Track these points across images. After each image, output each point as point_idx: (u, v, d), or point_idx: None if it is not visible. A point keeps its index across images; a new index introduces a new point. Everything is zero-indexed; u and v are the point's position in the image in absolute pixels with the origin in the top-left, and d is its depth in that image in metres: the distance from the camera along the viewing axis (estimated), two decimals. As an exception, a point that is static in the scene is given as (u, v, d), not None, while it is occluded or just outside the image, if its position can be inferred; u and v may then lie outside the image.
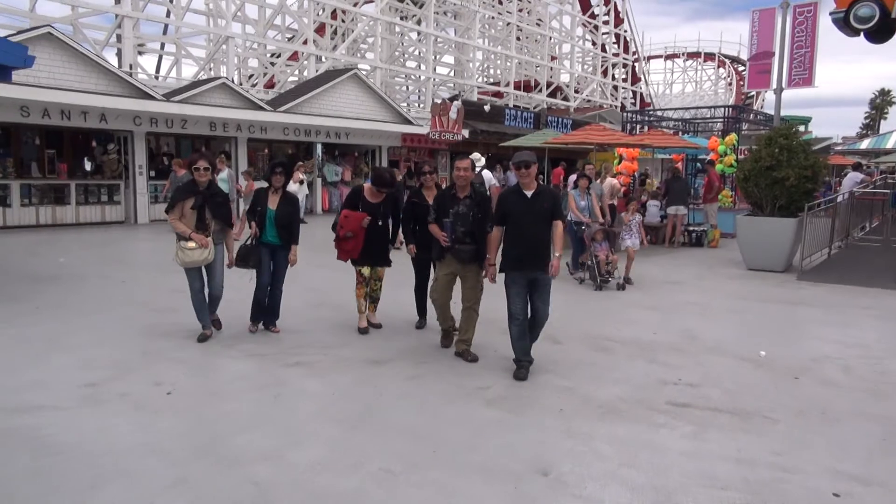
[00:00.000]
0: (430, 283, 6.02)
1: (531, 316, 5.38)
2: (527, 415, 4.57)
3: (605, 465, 3.84)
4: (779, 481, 3.65)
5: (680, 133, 22.38)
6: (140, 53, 25.48)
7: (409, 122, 23.55)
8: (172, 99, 17.06)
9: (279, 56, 28.09)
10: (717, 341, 6.62)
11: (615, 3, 43.26)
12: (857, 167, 20.14)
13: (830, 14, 16.29)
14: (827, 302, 8.48)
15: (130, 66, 19.90)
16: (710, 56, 61.21)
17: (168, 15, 27.04)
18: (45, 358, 5.59)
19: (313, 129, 20.74)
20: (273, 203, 6.26)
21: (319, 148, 21.64)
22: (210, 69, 25.78)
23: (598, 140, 13.85)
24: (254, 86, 26.26)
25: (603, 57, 43.34)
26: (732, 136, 17.22)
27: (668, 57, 62.61)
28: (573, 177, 11.20)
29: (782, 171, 10.81)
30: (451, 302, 5.95)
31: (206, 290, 6.12)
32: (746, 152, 14.88)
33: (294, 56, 27.96)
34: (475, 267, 5.70)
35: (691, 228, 14.63)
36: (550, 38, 39.51)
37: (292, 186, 16.79)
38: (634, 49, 47.11)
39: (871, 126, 66.58)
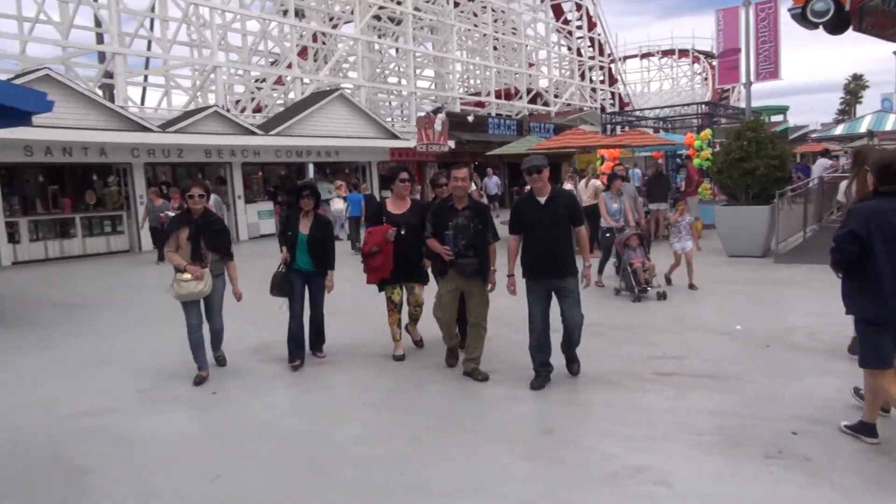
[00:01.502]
0: (435, 301, 5.65)
1: (563, 323, 5.22)
2: (529, 391, 5.21)
3: (600, 423, 4.50)
4: (748, 426, 4.32)
5: (658, 131, 23.22)
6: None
7: (395, 137, 24.27)
8: (168, 130, 17.68)
9: (264, 81, 28.77)
10: (699, 320, 7.31)
11: (587, 8, 44.29)
12: (824, 153, 21.01)
13: (789, 10, 17.12)
14: (799, 280, 9.22)
15: (124, 101, 20.50)
16: (684, 53, 62.31)
17: (149, 48, 27.68)
18: (96, 371, 6.22)
19: (304, 149, 21.40)
20: (304, 227, 5.89)
21: (311, 167, 22.31)
22: (199, 97, 26.41)
23: (579, 144, 14.59)
24: (242, 111, 26.89)
25: (579, 61, 44.34)
26: (707, 132, 18.00)
27: (643, 56, 63.68)
28: (578, 180, 11.45)
29: (752, 162, 11.56)
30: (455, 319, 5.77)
31: (206, 326, 5.83)
32: (718, 146, 15.66)
33: (279, 80, 28.64)
34: (479, 281, 5.46)
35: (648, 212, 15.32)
36: (527, 46, 40.43)
37: (338, 204, 17.40)
38: (609, 51, 48.15)
39: (846, 111, 67.88)
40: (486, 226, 5.45)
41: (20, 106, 7.73)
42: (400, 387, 5.49)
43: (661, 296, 8.49)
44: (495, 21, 38.07)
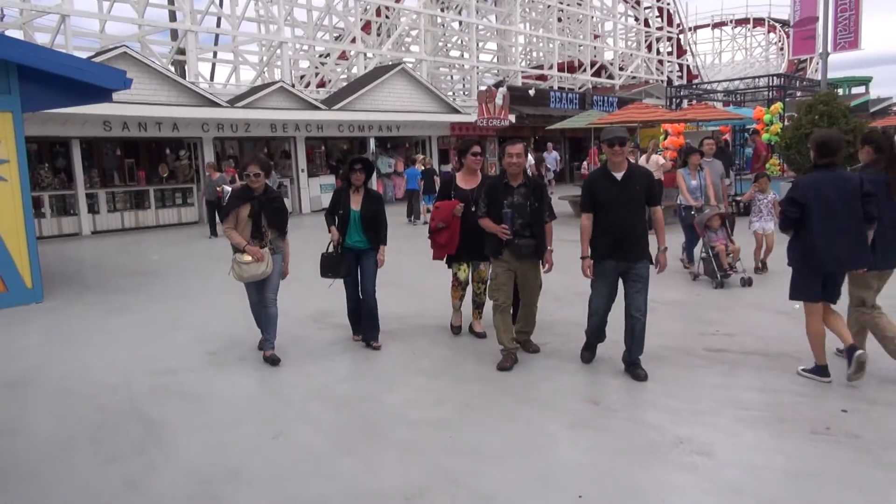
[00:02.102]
0: (489, 282, 5.55)
1: (627, 310, 4.90)
2: (579, 363, 5.31)
3: (647, 396, 4.58)
4: (796, 403, 4.32)
5: (728, 104, 22.47)
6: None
7: (456, 112, 24.29)
8: (236, 105, 18.27)
9: (328, 56, 29.19)
10: (759, 298, 7.20)
11: (657, -24, 42.89)
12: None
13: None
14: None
15: (196, 77, 21.24)
16: (759, 21, 59.69)
17: (219, 24, 28.45)
18: (169, 334, 6.65)
19: (366, 124, 21.71)
20: (356, 203, 5.74)
21: (373, 142, 22.62)
22: (265, 73, 27.05)
23: (642, 118, 14.34)
24: (307, 86, 27.42)
25: (646, 32, 43.05)
26: (778, 105, 17.36)
27: (715, 25, 61.35)
28: (639, 155, 10.98)
29: (823, 137, 11.14)
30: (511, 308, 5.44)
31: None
32: (789, 120, 15.11)
33: (342, 55, 28.99)
34: (535, 263, 5.27)
35: (739, 199, 14.96)
36: (592, 17, 39.50)
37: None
38: (679, 21, 46.53)
39: (936, 83, 63.74)
40: (542, 203, 5.17)
41: (101, 83, 8.19)
42: (454, 357, 5.67)
43: (746, 282, 7.84)
44: (560, -8, 37.31)
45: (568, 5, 37.87)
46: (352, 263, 5.80)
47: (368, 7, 29.20)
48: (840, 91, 29.21)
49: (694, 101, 22.02)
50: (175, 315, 7.49)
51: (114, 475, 3.69)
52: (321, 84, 29.21)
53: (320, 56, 30.20)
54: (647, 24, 43.27)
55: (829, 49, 18.46)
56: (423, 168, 16.95)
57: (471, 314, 6.21)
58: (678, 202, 8.80)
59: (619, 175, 4.81)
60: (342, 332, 6.34)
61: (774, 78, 19.56)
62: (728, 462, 3.57)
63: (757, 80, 20.27)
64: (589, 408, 4.43)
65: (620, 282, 4.98)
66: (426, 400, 4.68)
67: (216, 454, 3.92)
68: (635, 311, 4.85)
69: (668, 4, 44.66)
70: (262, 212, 5.33)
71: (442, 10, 34.26)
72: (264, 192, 5.39)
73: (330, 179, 21.47)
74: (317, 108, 19.96)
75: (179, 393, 4.97)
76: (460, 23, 33.24)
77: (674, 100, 23.70)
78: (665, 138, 16.80)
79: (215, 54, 30.42)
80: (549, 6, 36.28)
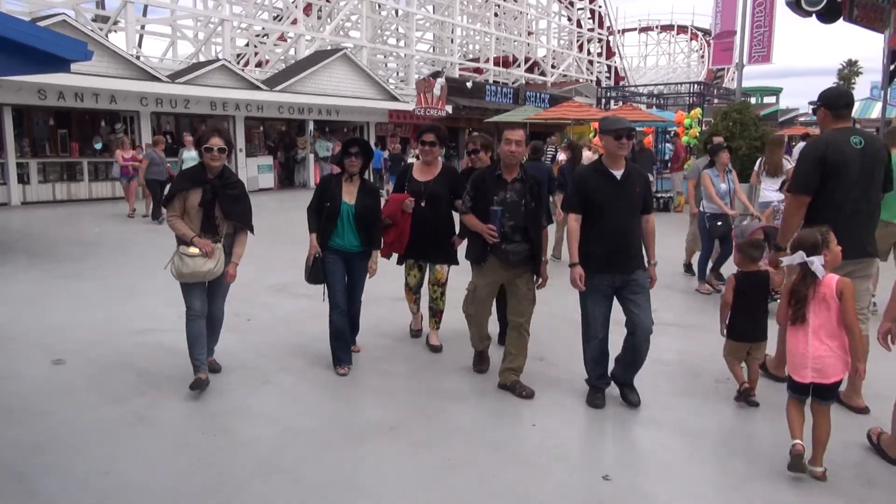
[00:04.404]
0: (466, 294, 4.70)
1: (630, 329, 4.20)
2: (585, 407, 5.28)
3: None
4: (704, 362, 5.18)
5: (651, 107, 23.93)
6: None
7: (395, 99, 24.76)
8: (177, 81, 18.13)
9: (266, 36, 28.99)
10: (675, 280, 8.12)
11: (590, -21, 44.46)
12: (804, 137, 21.85)
13: (784, -3, 17.80)
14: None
15: (134, 50, 20.84)
16: (682, 29, 62.63)
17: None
18: (137, 298, 6.97)
19: (306, 107, 21.91)
20: (349, 195, 4.78)
21: (311, 125, 22.82)
22: (202, 50, 26.68)
23: (575, 116, 15.29)
24: (245, 65, 27.21)
25: (578, 32, 44.61)
26: (697, 111, 18.75)
27: (642, 30, 63.92)
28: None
29: (735, 142, 12.38)
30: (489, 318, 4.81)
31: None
32: (707, 125, 16.45)
33: (281, 36, 28.86)
34: (527, 273, 4.46)
35: (659, 195, 16.19)
36: (527, 15, 40.62)
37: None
38: (609, 24, 48.40)
39: (838, 97, 68.49)
40: (539, 204, 4.44)
41: (61, 53, 8.29)
42: (416, 401, 4.46)
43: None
44: (497, -13, 38.23)
45: (504, 1, 38.80)
46: (338, 267, 4.82)
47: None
48: (753, 100, 31.43)
49: (621, 103, 23.37)
50: (134, 281, 7.76)
51: (122, 412, 4.13)
52: (259, 64, 29.01)
53: (258, 35, 29.93)
54: (579, 24, 44.84)
55: (745, 61, 20.01)
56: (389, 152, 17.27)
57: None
58: (702, 209, 7.49)
59: (618, 173, 4.12)
60: (305, 302, 6.74)
61: (695, 85, 21.01)
62: (649, 403, 4.35)
63: (679, 86, 21.71)
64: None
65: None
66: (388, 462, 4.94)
67: (213, 396, 4.39)
68: (641, 328, 4.14)
69: (600, 7, 46.37)
70: (215, 199, 4.30)
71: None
72: (219, 176, 4.33)
73: (268, 160, 21.59)
74: (258, 88, 20.03)
75: (162, 348, 5.39)
76: (397, 12, 33.58)
77: (603, 99, 25.04)
78: (594, 136, 17.90)
79: (143, 27, 29.69)
80: (486, 1, 37.10)
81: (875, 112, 27.82)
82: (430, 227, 5.14)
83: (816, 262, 3.37)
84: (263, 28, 28.83)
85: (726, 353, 4.54)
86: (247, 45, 30.19)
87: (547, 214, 4.70)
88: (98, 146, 18.06)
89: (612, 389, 4.47)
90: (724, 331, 4.50)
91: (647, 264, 4.28)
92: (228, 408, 4.24)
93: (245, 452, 3.65)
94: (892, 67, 15.54)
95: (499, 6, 38.37)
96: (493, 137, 5.79)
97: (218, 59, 20.32)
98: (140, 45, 31.63)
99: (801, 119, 39.51)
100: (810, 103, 5.03)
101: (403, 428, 4.03)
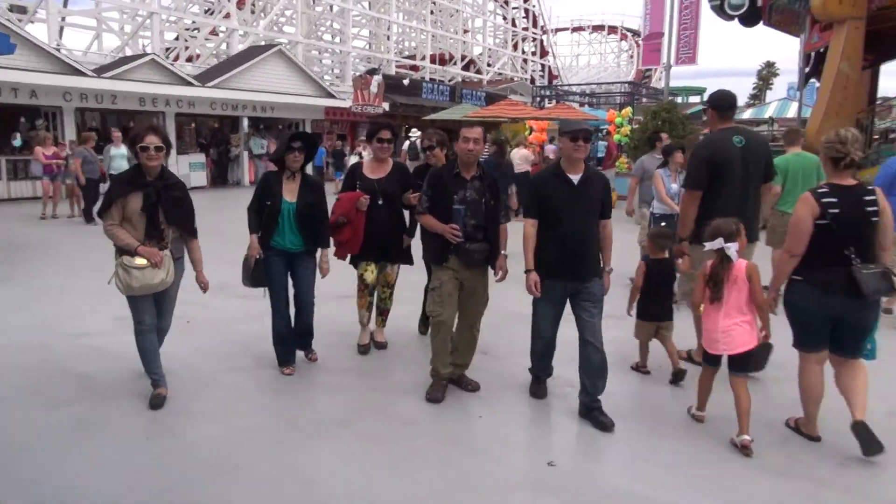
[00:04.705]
0: (429, 296, 4.54)
1: (583, 338, 4.10)
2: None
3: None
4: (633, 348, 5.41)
5: (584, 105, 24.54)
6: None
7: (331, 96, 24.56)
8: (104, 75, 17.48)
9: (197, 30, 28.24)
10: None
11: (524, -21, 45.15)
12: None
13: (709, 1, 18.59)
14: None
15: (56, 44, 19.96)
16: (613, 29, 64.32)
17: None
18: (68, 301, 6.76)
19: (240, 103, 21.49)
20: (290, 193, 4.62)
21: (246, 122, 22.39)
22: (129, 44, 25.76)
23: (513, 114, 15.57)
24: (175, 60, 26.42)
25: (513, 31, 45.22)
26: (628, 110, 19.38)
27: (574, 30, 65.31)
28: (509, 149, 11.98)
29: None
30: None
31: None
32: (637, 123, 17.03)
33: (213, 31, 28.17)
34: (484, 274, 4.44)
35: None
36: (463, 13, 40.91)
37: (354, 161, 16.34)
38: (542, 23, 49.27)
39: (758, 96, 71.88)
40: (498, 201, 4.39)
41: (-18, 47, 7.93)
42: (365, 396, 4.46)
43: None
44: (433, -15, 38.37)
45: (440, -1, 39.00)
46: (280, 269, 4.69)
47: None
48: (679, 99, 32.60)
49: (555, 101, 23.88)
50: (65, 284, 7.51)
51: (64, 417, 4.03)
52: (189, 59, 28.23)
53: (188, 29, 29.10)
54: (513, 23, 45.44)
55: (672, 62, 20.79)
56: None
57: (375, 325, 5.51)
58: (651, 210, 7.33)
59: (575, 178, 4.02)
60: (251, 303, 6.67)
61: (625, 85, 21.68)
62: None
63: (611, 85, 22.35)
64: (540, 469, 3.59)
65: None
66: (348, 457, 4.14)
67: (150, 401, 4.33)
68: (591, 338, 4.06)
69: (534, 7, 47.13)
70: (158, 203, 4.02)
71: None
72: (160, 177, 4.07)
73: (200, 158, 21.06)
74: (190, 83, 19.52)
75: (100, 353, 5.24)
76: (332, 7, 33.26)
77: (537, 98, 25.53)
78: (530, 133, 18.27)
79: (63, 18, 28.42)
80: (422, -2, 37.19)
81: (791, 112, 29.25)
82: (386, 226, 5.05)
83: (732, 248, 3.79)
84: (194, 22, 28.03)
85: (637, 332, 5.05)
86: (176, 38, 29.27)
87: (505, 210, 4.57)
88: (17, 143, 17.22)
89: (556, 388, 4.64)
90: (631, 311, 4.96)
91: (604, 270, 4.22)
92: (173, 410, 4.19)
93: (196, 453, 3.64)
94: (807, 70, 16.44)
95: (434, 3, 38.51)
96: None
97: (147, 54, 19.67)
98: (61, 37, 30.32)
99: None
100: (702, 104, 5.56)
101: (354, 423, 4.08)
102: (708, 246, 3.87)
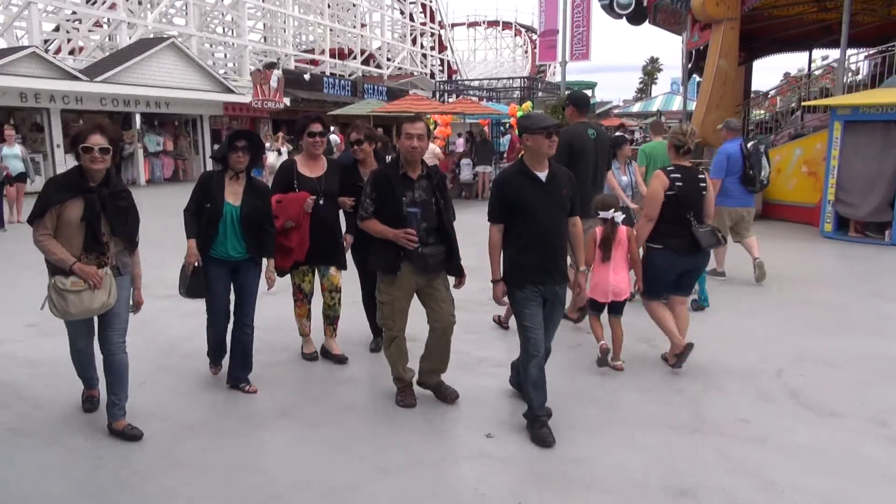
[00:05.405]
0: (379, 308, 4.21)
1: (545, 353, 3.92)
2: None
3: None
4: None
5: (483, 100, 25.13)
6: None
7: (230, 91, 23.92)
8: (-22, 69, 16.26)
9: (80, 21, 26.64)
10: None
11: (420, -26, 45.42)
12: (619, 127, 24.23)
13: (599, 1, 19.53)
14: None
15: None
16: (508, 25, 65.80)
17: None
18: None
19: (133, 98, 20.54)
20: (233, 195, 4.23)
21: (139, 118, 21.43)
22: (3, 35, 23.95)
23: (419, 109, 15.81)
24: (57, 52, 24.84)
25: (411, 26, 45.43)
26: (528, 104, 20.08)
27: (470, 25, 66.29)
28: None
29: (565, 134, 13.52)
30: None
31: (99, 350, 3.83)
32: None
33: (97, 22, 26.67)
34: (442, 274, 4.15)
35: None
36: (360, 7, 40.67)
37: (271, 158, 14.84)
38: (440, 18, 49.74)
39: (644, 90, 75.76)
40: (448, 200, 4.15)
41: None
42: (304, 387, 4.51)
43: (698, 304, 6.44)
44: (329, -22, 37.91)
45: (337, -8, 38.59)
46: (221, 279, 4.32)
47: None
48: (574, 94, 33.93)
49: (455, 96, 24.33)
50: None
51: (-9, 426, 3.91)
52: (72, 52, 26.61)
53: (69, 20, 27.39)
54: (411, 18, 45.63)
55: (567, 58, 21.72)
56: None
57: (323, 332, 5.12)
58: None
59: (542, 175, 3.79)
60: (195, 306, 6.47)
61: (524, 80, 22.42)
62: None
63: (511, 80, 23.04)
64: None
65: None
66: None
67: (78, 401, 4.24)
68: (546, 350, 3.92)
69: (431, 2, 47.50)
70: (101, 213, 3.56)
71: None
72: (105, 183, 3.61)
73: (91, 156, 19.96)
74: (77, 78, 18.47)
75: (17, 359, 5.07)
76: (225, -1, 32.24)
77: (438, 93, 25.89)
78: (435, 128, 18.58)
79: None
80: (318, -9, 36.68)
81: (677, 105, 31.23)
82: (328, 228, 4.75)
83: (617, 216, 4.88)
84: (75, 12, 26.42)
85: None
86: (56, 29, 27.47)
87: (452, 209, 4.28)
88: None
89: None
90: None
91: (577, 270, 4.11)
92: (98, 414, 4.10)
93: (141, 450, 3.64)
94: (689, 66, 17.68)
95: (331, -3, 38.08)
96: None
97: (27, 46, 18.42)
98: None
99: (616, 111, 43.28)
100: (565, 100, 6.63)
101: (295, 412, 4.19)
102: (602, 215, 4.89)
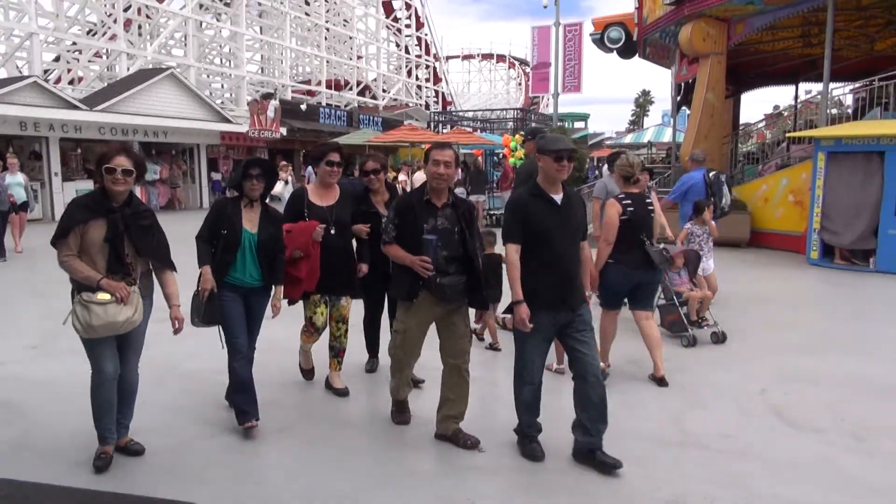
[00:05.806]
0: (392, 336, 4.20)
1: (579, 372, 3.76)
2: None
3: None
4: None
5: (477, 130, 25.57)
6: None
7: (227, 121, 24.23)
8: (-19, 98, 16.52)
9: (80, 52, 27.08)
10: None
11: (416, 8, 46.30)
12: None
13: (590, 35, 20.06)
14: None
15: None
16: (501, 57, 66.90)
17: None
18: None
19: (131, 128, 20.82)
20: (250, 223, 4.19)
21: (137, 147, 21.67)
22: (4, 65, 24.30)
23: (414, 139, 16.14)
24: (57, 82, 25.19)
25: (406, 58, 46.20)
26: (520, 135, 20.43)
27: (464, 57, 67.39)
28: (411, 171, 12.42)
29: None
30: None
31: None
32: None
33: (97, 52, 27.12)
34: (463, 308, 4.06)
35: (492, 212, 17.46)
36: (356, 39, 41.42)
37: (278, 188, 15.16)
38: (435, 51, 50.60)
39: (636, 122, 76.82)
40: (473, 230, 4.04)
41: None
42: (302, 406, 4.66)
43: (720, 337, 6.27)
44: (327, 12, 38.62)
45: (334, 25, 39.31)
46: (237, 306, 4.17)
47: (131, 4, 27.70)
48: (566, 125, 34.54)
49: (449, 127, 24.75)
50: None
51: (-2, 441, 4.02)
52: (72, 81, 26.97)
53: (69, 51, 27.82)
54: (407, 50, 46.44)
55: (560, 90, 22.17)
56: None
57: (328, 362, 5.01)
58: None
59: (558, 198, 3.76)
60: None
61: (517, 111, 22.85)
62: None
63: (505, 112, 23.47)
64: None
65: None
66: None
67: (87, 418, 4.35)
68: (593, 368, 3.72)
69: (426, 35, 48.36)
70: (125, 233, 3.57)
71: (216, 19, 33.55)
72: (128, 203, 3.62)
73: (87, 184, 20.14)
74: (76, 107, 18.75)
75: (18, 380, 5.17)
76: (222, 31, 32.80)
77: (433, 123, 26.33)
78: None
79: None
80: (316, 24, 37.36)
81: (667, 136, 31.74)
82: (340, 257, 4.68)
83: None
84: (75, 43, 26.85)
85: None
86: (56, 59, 27.88)
87: (481, 241, 4.26)
88: None
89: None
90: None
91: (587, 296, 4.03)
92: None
93: (147, 465, 3.76)
94: (678, 98, 18.11)
95: (328, 30, 38.78)
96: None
97: (28, 76, 18.73)
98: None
99: (608, 142, 43.90)
100: (526, 134, 7.34)
101: (294, 429, 4.32)
102: None
